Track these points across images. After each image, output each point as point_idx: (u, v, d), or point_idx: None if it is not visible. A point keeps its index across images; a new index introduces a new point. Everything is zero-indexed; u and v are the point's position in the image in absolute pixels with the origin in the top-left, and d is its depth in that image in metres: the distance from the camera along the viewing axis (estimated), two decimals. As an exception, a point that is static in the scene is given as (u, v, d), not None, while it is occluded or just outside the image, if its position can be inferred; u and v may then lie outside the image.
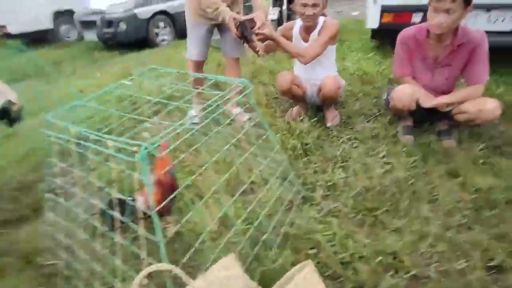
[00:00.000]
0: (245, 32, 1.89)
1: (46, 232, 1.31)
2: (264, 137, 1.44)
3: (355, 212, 1.47)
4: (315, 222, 1.41)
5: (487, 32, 1.84)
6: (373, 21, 2.97)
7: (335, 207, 1.50)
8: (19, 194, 1.75)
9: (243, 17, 1.95)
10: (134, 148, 0.83)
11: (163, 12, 6.11)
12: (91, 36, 6.20)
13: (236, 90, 1.48)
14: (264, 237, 1.27)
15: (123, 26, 5.72)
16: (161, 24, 6.16)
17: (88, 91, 3.65)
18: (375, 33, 3.52)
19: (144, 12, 5.81)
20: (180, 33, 6.47)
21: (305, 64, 2.07)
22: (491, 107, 1.76)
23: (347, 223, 1.40)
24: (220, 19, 1.98)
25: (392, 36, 2.05)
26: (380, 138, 2.03)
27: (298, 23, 2.20)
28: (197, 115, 2.30)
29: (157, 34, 6.14)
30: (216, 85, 2.56)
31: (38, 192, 1.69)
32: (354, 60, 3.36)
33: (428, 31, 1.86)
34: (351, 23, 5.30)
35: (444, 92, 1.95)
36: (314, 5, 1.96)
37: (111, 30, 5.75)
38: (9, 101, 2.50)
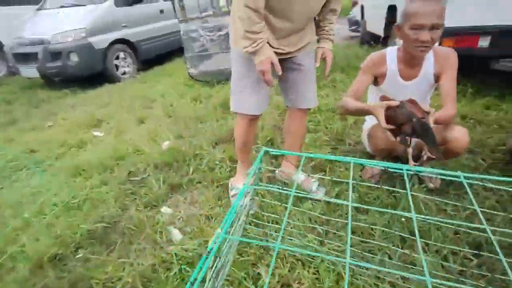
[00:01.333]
0: (421, 132, 1.21)
1: None
2: None
3: None
4: None
5: None
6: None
7: None
8: None
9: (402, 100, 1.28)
10: None
11: (122, 41, 5.15)
12: (28, 71, 4.94)
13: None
14: None
15: (74, 58, 4.63)
16: (121, 55, 5.18)
17: (44, 150, 2.58)
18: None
19: (100, 41, 4.80)
20: (144, 65, 5.55)
21: None
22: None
23: None
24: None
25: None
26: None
27: (391, 52, 1.56)
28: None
29: (117, 67, 5.14)
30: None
31: None
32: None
33: None
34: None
35: None
36: (434, 27, 1.34)
37: (58, 63, 4.61)
38: None
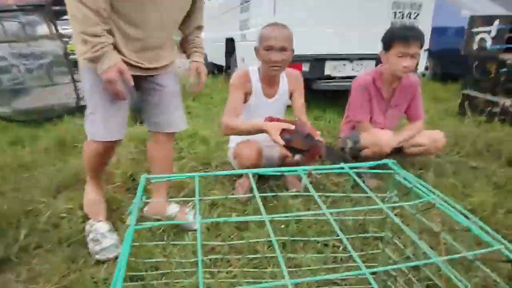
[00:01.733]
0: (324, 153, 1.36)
1: None
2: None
3: None
4: None
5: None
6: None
7: None
8: None
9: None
10: None
11: None
12: None
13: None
14: None
15: None
16: None
17: None
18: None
19: None
20: None
21: None
22: (440, 136, 1.92)
23: None
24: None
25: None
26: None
27: (253, 72, 1.68)
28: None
29: None
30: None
31: None
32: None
33: (380, 75, 1.86)
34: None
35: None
36: (283, 49, 1.52)
37: None
38: None
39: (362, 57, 3.18)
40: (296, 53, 1.63)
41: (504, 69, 3.14)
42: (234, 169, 1.93)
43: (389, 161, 0.84)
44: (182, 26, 1.40)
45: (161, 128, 1.41)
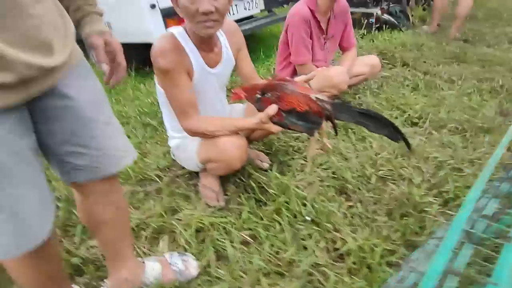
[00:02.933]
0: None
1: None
2: None
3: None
4: None
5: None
6: (157, 33, 2.16)
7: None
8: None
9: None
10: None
11: None
12: None
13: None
14: None
15: None
16: None
17: None
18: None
19: None
20: None
21: None
22: (377, 61, 1.89)
23: None
24: None
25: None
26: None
27: (182, 37, 1.14)
28: None
29: None
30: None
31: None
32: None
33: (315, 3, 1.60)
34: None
35: (327, 65, 1.85)
36: None
37: None
38: None
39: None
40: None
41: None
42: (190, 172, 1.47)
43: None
44: None
45: (94, 172, 0.79)
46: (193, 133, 1.15)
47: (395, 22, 3.44)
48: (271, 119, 0.98)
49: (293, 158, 1.57)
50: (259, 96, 1.00)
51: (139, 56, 2.88)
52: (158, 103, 2.22)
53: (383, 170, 1.45)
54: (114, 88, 0.79)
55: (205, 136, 1.14)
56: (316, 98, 0.95)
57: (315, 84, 1.64)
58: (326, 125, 0.98)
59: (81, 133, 0.74)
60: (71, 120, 0.72)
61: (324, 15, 1.65)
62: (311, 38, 1.65)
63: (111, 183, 0.86)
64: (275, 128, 1.01)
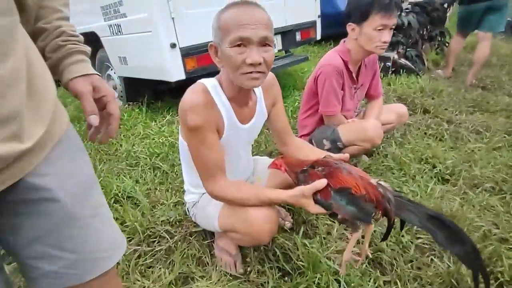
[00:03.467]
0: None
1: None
2: None
3: None
4: None
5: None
6: (176, 72, 2.09)
7: None
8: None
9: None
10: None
11: None
12: None
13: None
14: None
15: None
16: None
17: None
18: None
19: None
20: None
21: None
22: (404, 110, 1.80)
23: None
24: None
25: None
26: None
27: (214, 89, 1.00)
28: None
29: None
30: None
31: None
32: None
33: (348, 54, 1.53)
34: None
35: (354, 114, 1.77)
36: (264, 43, 0.90)
37: None
38: None
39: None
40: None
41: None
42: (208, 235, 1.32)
43: None
44: (25, 14, 0.59)
45: (69, 279, 0.57)
46: (217, 197, 1.01)
47: (412, 66, 3.40)
48: (314, 195, 0.84)
49: (317, 217, 1.42)
50: (306, 168, 0.87)
51: (150, 89, 2.83)
52: (169, 143, 2.16)
53: (421, 238, 1.29)
54: (106, 142, 0.63)
55: (231, 203, 1.00)
56: (378, 183, 0.81)
57: (347, 136, 1.53)
58: (374, 224, 0.83)
59: (58, 232, 0.54)
60: (48, 217, 0.52)
61: (356, 64, 1.57)
62: (342, 88, 1.57)
63: (100, 283, 0.61)
64: (314, 209, 0.86)
